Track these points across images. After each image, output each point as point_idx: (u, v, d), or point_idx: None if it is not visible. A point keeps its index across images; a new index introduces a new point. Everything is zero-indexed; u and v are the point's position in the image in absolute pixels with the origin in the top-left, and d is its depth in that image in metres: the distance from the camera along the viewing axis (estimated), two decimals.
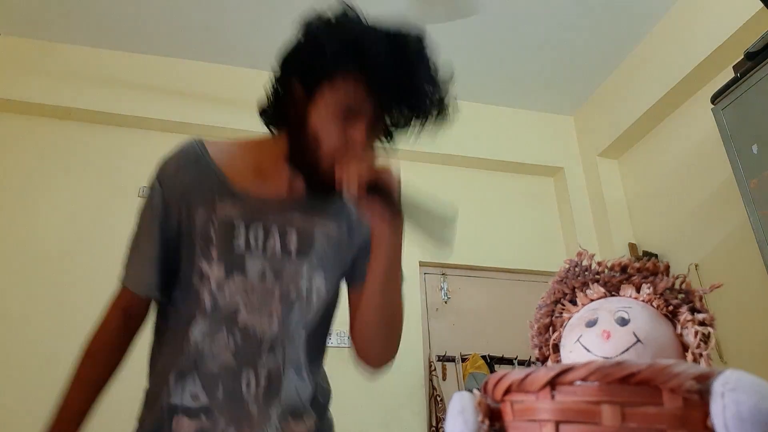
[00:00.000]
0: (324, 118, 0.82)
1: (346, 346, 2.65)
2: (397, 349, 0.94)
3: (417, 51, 0.87)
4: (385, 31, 0.84)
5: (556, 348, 0.66)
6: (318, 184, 0.85)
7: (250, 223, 0.86)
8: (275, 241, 0.86)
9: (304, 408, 0.88)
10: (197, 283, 0.85)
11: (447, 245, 0.84)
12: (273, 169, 0.90)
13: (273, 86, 0.92)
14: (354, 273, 0.97)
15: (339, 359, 2.61)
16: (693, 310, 0.60)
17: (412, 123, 0.88)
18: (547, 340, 0.68)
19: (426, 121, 0.89)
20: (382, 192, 0.79)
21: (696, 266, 2.48)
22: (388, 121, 0.86)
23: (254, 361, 0.83)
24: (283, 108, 0.88)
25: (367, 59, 0.80)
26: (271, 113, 0.90)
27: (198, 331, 0.83)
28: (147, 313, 0.96)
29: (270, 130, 0.92)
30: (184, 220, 0.87)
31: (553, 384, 0.47)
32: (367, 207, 0.81)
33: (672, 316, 0.60)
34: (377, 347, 0.94)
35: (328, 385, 1.01)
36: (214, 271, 0.84)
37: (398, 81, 0.82)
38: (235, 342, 0.83)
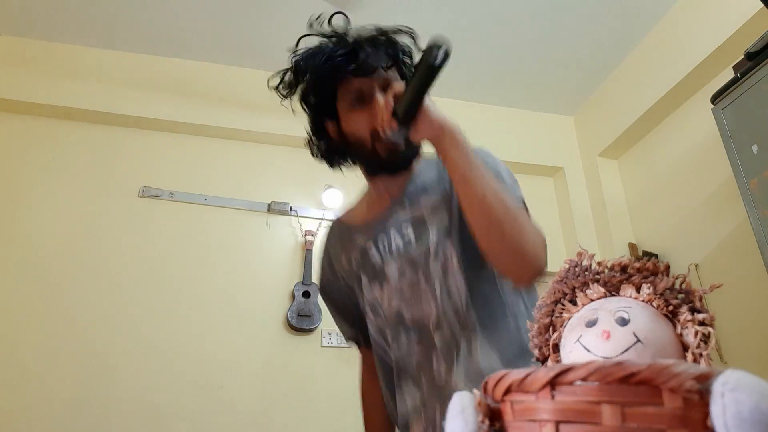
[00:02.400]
0: (350, 120, 1.00)
1: (347, 346, 2.65)
2: (533, 258, 0.90)
3: (357, 32, 1.06)
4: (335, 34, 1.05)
5: (556, 348, 0.66)
6: (393, 164, 1.02)
7: (376, 239, 1.02)
8: (397, 241, 1.00)
9: (492, 367, 0.89)
10: (369, 312, 1.02)
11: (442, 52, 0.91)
12: (375, 196, 1.09)
13: (312, 136, 1.11)
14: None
15: (339, 359, 2.63)
16: (693, 310, 0.60)
17: (398, 59, 1.05)
18: (547, 340, 0.68)
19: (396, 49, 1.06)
20: (408, 106, 0.89)
21: (696, 266, 2.48)
22: (385, 76, 1.00)
23: (431, 343, 0.94)
24: (327, 144, 1.07)
25: (339, 60, 0.98)
26: (330, 155, 1.09)
27: (393, 345, 0.98)
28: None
29: (339, 165, 1.11)
30: (342, 275, 1.10)
31: (553, 384, 0.47)
32: (413, 131, 0.91)
33: (672, 316, 0.60)
34: (504, 258, 0.90)
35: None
36: (373, 293, 1.01)
37: (358, 50, 0.99)
38: (412, 338, 0.96)
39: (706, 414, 0.42)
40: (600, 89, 3.24)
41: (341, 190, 2.92)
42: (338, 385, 2.55)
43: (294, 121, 3.02)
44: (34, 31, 2.84)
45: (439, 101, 3.22)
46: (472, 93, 3.30)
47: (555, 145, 3.39)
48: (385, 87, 0.98)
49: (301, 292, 2.64)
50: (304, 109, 1.08)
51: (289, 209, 2.86)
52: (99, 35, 2.88)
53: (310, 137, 1.10)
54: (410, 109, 0.89)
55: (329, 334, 2.64)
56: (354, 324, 1.14)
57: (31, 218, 2.58)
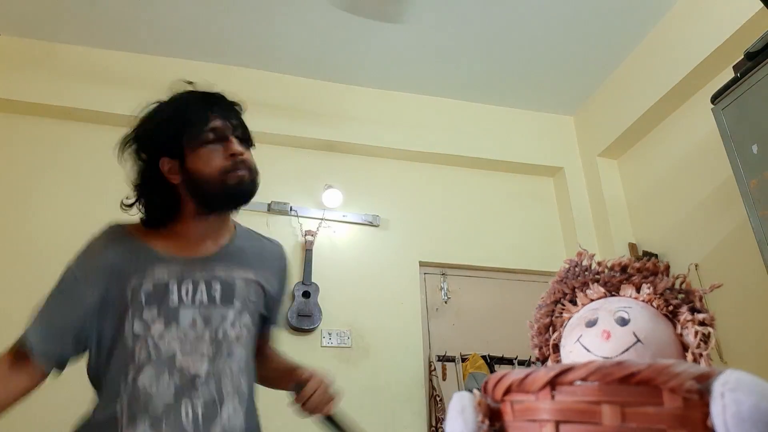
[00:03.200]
0: (201, 155, 1.08)
1: (347, 346, 2.65)
2: None
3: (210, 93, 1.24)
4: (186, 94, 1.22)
5: (556, 348, 0.66)
6: (234, 202, 1.10)
7: (182, 281, 1.04)
8: (203, 295, 1.04)
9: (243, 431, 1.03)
10: (131, 341, 1.00)
11: None
12: (192, 236, 1.10)
13: (142, 178, 1.14)
14: (269, 316, 1.20)
15: (339, 359, 2.63)
16: (693, 310, 0.60)
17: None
18: (547, 340, 0.68)
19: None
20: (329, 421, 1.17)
21: (696, 266, 2.48)
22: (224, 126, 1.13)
23: (190, 394, 0.98)
24: (167, 184, 1.10)
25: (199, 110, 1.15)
26: (161, 205, 1.11)
27: (146, 377, 0.98)
28: (31, 381, 1.09)
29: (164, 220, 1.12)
30: (112, 291, 1.04)
31: (553, 384, 0.47)
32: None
33: (672, 316, 0.60)
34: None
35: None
36: (155, 326, 1.01)
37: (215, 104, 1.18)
38: (174, 382, 0.98)
39: (706, 414, 0.42)
40: (600, 89, 3.24)
41: (341, 190, 2.92)
42: (338, 385, 2.55)
43: (294, 121, 3.03)
44: (34, 31, 2.84)
45: (439, 101, 3.21)
46: (473, 93, 3.30)
47: (555, 145, 3.39)
48: (241, 137, 1.14)
49: (301, 292, 2.64)
50: (138, 157, 1.14)
51: (289, 209, 2.86)
52: (99, 35, 2.88)
53: (142, 188, 1.14)
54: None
55: (329, 334, 2.64)
56: (64, 337, 1.05)
57: (31, 218, 2.58)
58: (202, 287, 1.05)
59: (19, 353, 1.05)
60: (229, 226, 1.18)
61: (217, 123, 1.12)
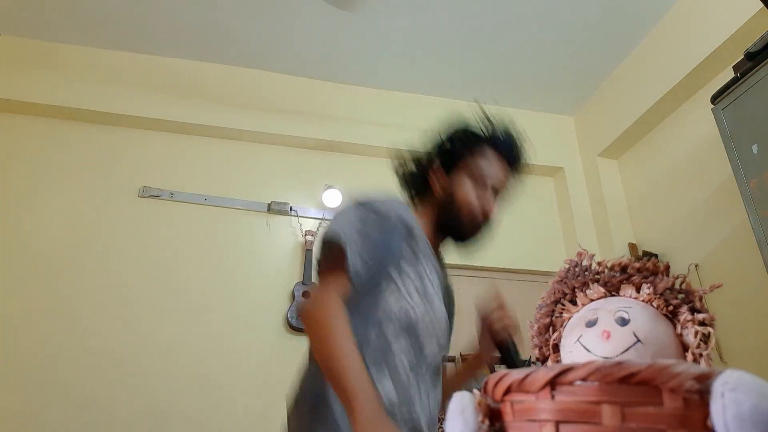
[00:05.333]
0: (463, 187, 1.19)
1: None
2: None
3: (517, 136, 1.33)
4: (499, 123, 1.30)
5: (556, 348, 0.66)
6: (464, 238, 1.21)
7: (435, 273, 1.17)
8: (441, 291, 1.19)
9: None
10: (415, 293, 1.11)
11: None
12: (428, 229, 1.21)
13: (417, 163, 1.27)
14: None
15: None
16: (693, 310, 0.60)
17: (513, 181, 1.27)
18: (547, 340, 0.68)
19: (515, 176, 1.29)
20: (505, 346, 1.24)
21: (696, 266, 2.48)
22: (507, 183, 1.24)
23: (418, 373, 1.10)
24: (428, 184, 1.23)
25: (496, 143, 1.24)
26: (415, 184, 1.27)
27: (392, 335, 1.08)
28: None
29: (410, 194, 1.29)
30: (405, 244, 1.12)
31: (553, 384, 0.47)
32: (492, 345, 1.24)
33: (672, 316, 0.60)
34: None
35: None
36: (414, 298, 1.09)
37: (513, 153, 1.28)
38: (431, 352, 1.12)
39: (706, 414, 0.42)
40: (600, 89, 3.24)
41: (341, 190, 2.92)
42: None
43: (294, 121, 3.03)
44: (34, 31, 2.84)
45: (439, 101, 3.22)
46: (473, 93, 3.29)
47: (555, 145, 3.38)
48: (498, 194, 1.24)
49: (301, 292, 2.64)
50: (445, 144, 1.25)
51: (289, 209, 2.86)
52: (99, 35, 2.88)
53: (416, 160, 1.27)
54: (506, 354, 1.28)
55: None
56: (373, 262, 1.04)
57: (31, 218, 2.58)
58: (439, 278, 1.19)
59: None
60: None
61: (500, 174, 1.22)
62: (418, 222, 1.19)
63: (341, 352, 0.93)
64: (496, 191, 1.21)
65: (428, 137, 1.30)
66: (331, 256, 1.04)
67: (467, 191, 1.18)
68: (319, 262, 1.10)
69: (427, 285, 1.12)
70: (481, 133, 1.26)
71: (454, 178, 1.20)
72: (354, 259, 1.01)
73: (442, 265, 1.25)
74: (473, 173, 1.19)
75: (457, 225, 1.19)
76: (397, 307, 1.06)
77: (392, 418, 1.00)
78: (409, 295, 1.08)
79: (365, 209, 1.12)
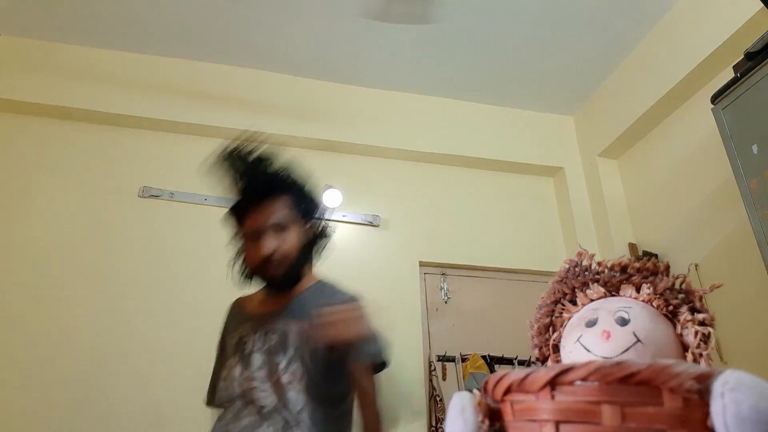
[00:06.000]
0: (247, 247, 1.29)
1: None
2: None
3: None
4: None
5: (556, 348, 0.66)
6: (275, 284, 1.28)
7: (257, 332, 1.26)
8: (269, 343, 1.23)
9: None
10: (229, 381, 1.24)
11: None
12: (268, 297, 1.34)
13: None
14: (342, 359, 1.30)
15: None
16: (693, 310, 0.60)
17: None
18: (547, 340, 0.68)
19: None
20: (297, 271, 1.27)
21: (696, 266, 2.48)
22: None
23: (258, 428, 1.13)
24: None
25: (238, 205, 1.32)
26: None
27: (229, 414, 1.21)
28: None
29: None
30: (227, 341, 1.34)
31: (553, 384, 0.47)
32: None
33: (672, 316, 0.60)
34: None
35: None
36: (237, 369, 1.23)
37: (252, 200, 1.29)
38: (244, 414, 1.17)
39: (706, 414, 0.43)
40: (600, 89, 3.24)
41: (341, 190, 2.92)
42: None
43: (294, 121, 3.03)
44: (34, 31, 2.84)
45: (439, 101, 3.22)
46: (473, 93, 3.30)
47: (555, 145, 3.39)
48: (277, 231, 1.27)
49: None
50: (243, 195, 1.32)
51: None
52: (99, 35, 2.88)
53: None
54: (297, 269, 1.31)
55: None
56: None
57: (30, 218, 2.58)
58: (269, 336, 1.24)
59: None
60: (305, 284, 1.34)
61: (252, 223, 1.26)
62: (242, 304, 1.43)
63: None
64: (264, 231, 1.25)
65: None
66: None
67: (247, 252, 1.29)
68: None
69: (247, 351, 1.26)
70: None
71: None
72: None
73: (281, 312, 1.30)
74: (243, 234, 1.29)
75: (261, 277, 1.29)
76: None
77: None
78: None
79: None
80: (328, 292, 1.36)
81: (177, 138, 2.91)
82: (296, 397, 1.17)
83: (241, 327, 1.31)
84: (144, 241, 2.63)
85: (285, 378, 1.18)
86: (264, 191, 1.28)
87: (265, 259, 1.22)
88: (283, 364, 1.20)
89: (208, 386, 1.41)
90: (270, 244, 1.22)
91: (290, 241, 1.25)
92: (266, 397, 1.16)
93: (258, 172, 1.29)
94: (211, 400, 1.36)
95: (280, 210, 1.27)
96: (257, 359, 1.21)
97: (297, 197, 1.31)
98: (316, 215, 1.34)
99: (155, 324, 2.46)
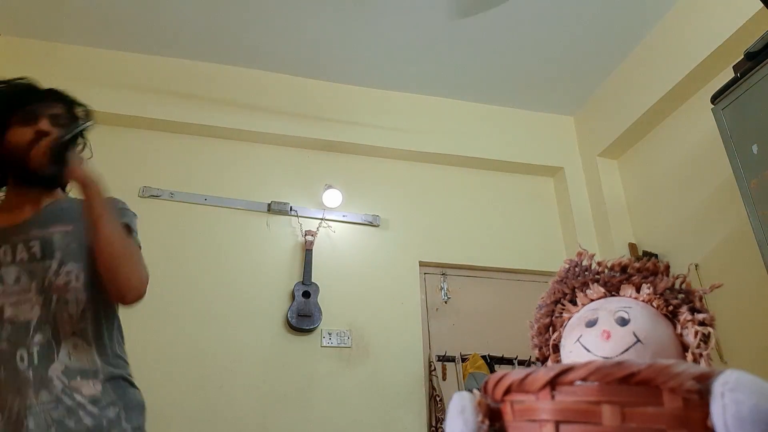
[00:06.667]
0: (16, 132, 1.20)
1: (347, 346, 2.66)
2: (139, 286, 1.21)
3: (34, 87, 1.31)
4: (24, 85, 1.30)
5: (556, 348, 0.66)
6: (33, 177, 1.21)
7: (8, 244, 1.17)
8: (22, 254, 1.16)
9: (92, 370, 1.13)
10: None
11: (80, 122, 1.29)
12: (14, 205, 1.24)
13: None
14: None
15: (339, 359, 2.63)
16: (693, 310, 0.60)
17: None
18: (547, 340, 0.68)
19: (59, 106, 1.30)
20: (61, 158, 1.18)
21: (696, 266, 2.48)
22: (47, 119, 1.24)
23: (24, 341, 1.09)
24: None
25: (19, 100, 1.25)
26: None
27: None
28: None
29: None
30: None
31: (553, 384, 0.47)
32: (66, 173, 1.18)
33: (672, 316, 0.60)
34: (117, 284, 1.18)
35: (124, 356, 1.29)
36: None
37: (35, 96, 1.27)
38: (6, 332, 1.09)
39: (706, 414, 0.42)
40: (600, 89, 3.24)
41: (341, 190, 2.92)
42: (338, 385, 2.56)
43: (294, 121, 3.03)
44: (34, 31, 2.84)
45: (439, 101, 3.22)
46: (473, 93, 3.30)
47: (555, 145, 3.39)
48: (53, 121, 1.24)
49: (301, 292, 2.64)
50: None
51: (289, 209, 2.86)
52: (99, 35, 2.88)
53: None
54: (60, 156, 1.19)
55: (329, 334, 2.64)
56: None
57: None
58: (21, 248, 1.17)
59: None
60: (57, 194, 1.30)
61: (28, 111, 1.23)
62: None
63: None
64: (41, 116, 1.23)
65: None
66: None
67: (15, 133, 1.21)
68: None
69: None
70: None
71: (6, 136, 1.22)
72: None
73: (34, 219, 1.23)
74: (16, 116, 1.22)
75: (20, 168, 1.21)
76: None
77: None
78: None
79: None
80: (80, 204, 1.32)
81: (177, 138, 2.91)
82: (76, 296, 1.16)
83: None
84: (143, 241, 2.62)
85: (52, 282, 1.14)
86: (43, 93, 1.29)
87: (34, 141, 1.18)
88: (53, 268, 1.16)
89: None
90: (46, 125, 1.21)
91: (61, 133, 1.22)
92: (31, 309, 1.11)
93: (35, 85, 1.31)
94: None
95: (56, 107, 1.27)
96: (10, 272, 1.14)
97: (68, 106, 1.32)
98: (79, 124, 1.31)
99: (154, 324, 2.46)
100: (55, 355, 1.10)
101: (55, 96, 1.30)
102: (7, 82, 1.28)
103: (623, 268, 0.65)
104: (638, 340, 0.55)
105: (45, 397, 1.06)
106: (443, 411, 2.50)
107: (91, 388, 1.11)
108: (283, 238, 2.82)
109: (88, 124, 1.30)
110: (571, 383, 0.46)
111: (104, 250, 1.15)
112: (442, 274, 3.00)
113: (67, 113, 1.31)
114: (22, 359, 1.07)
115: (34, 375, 1.07)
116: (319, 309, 2.62)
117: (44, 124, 1.21)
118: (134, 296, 1.19)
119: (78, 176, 1.19)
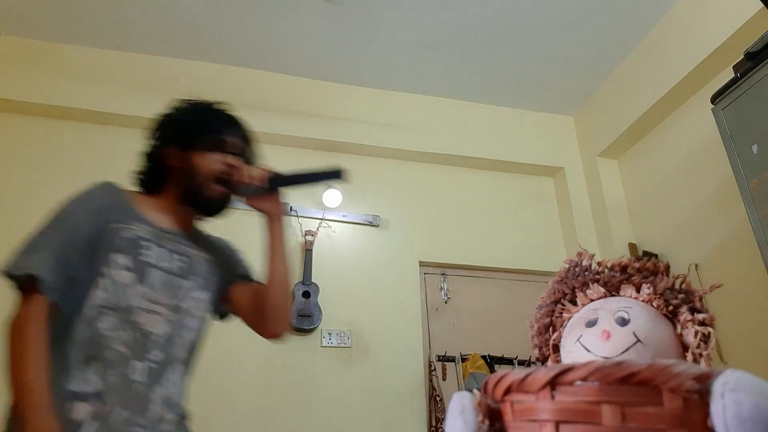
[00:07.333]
0: (205, 157, 1.20)
1: (347, 346, 2.65)
2: (289, 320, 1.26)
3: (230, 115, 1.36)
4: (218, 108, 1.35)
5: (556, 348, 0.66)
6: (208, 207, 1.22)
7: (160, 243, 1.13)
8: (171, 263, 1.13)
9: (176, 403, 1.09)
10: (101, 283, 1.04)
11: (338, 174, 1.22)
12: (168, 209, 1.21)
13: (150, 156, 1.33)
14: (235, 277, 1.28)
15: (339, 359, 2.63)
16: (693, 310, 0.60)
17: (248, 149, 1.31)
18: (547, 340, 0.68)
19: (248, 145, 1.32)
20: (265, 186, 1.21)
21: (696, 266, 2.48)
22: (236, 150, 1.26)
23: (143, 354, 1.03)
24: (165, 167, 1.25)
25: (217, 126, 1.27)
26: (149, 176, 1.29)
27: (104, 324, 1.01)
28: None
29: (147, 188, 1.27)
30: (100, 226, 1.10)
31: (553, 384, 0.47)
32: (258, 200, 1.22)
33: (672, 316, 0.60)
34: (282, 314, 1.22)
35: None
36: (122, 277, 1.05)
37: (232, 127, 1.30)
38: (130, 336, 1.02)
39: (706, 414, 0.42)
40: (600, 89, 3.24)
41: (341, 190, 2.92)
42: (338, 385, 2.56)
43: (294, 121, 3.03)
44: (34, 31, 2.84)
45: (439, 101, 3.21)
46: (473, 93, 3.30)
47: (555, 145, 3.39)
48: (241, 157, 1.27)
49: (301, 292, 2.64)
50: (165, 134, 1.30)
51: (289, 209, 2.86)
52: (99, 35, 2.88)
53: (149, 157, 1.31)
54: (283, 182, 1.24)
55: (329, 334, 2.64)
56: (65, 264, 1.05)
57: (30, 218, 2.57)
58: (172, 256, 1.14)
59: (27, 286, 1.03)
60: (196, 221, 1.29)
61: (234, 140, 1.26)
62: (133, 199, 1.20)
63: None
64: (239, 153, 1.26)
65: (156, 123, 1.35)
66: None
67: (204, 158, 1.21)
68: None
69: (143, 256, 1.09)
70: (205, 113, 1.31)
71: (192, 155, 1.22)
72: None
73: (192, 238, 1.23)
74: (209, 145, 1.23)
75: (194, 192, 1.20)
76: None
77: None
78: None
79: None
80: (225, 244, 1.36)
81: None
82: (198, 325, 1.15)
83: (134, 224, 1.11)
84: None
85: (185, 304, 1.11)
86: (238, 126, 1.32)
87: (225, 173, 1.19)
88: (191, 290, 1.13)
89: (30, 251, 1.12)
90: (238, 163, 1.21)
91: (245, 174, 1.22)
92: (161, 323, 1.05)
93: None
94: (52, 279, 1.02)
95: (246, 143, 1.30)
96: (157, 276, 1.08)
97: (252, 143, 1.34)
98: (324, 174, 1.32)
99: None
100: (163, 379, 1.05)
101: (245, 131, 1.33)
102: (208, 104, 1.33)
103: (623, 268, 0.65)
104: (638, 340, 0.55)
105: (140, 419, 0.99)
106: (443, 411, 2.50)
107: (173, 425, 1.06)
108: None
109: (333, 178, 1.27)
110: (571, 383, 0.46)
111: (281, 287, 1.20)
112: (442, 274, 3.00)
113: (251, 150, 1.34)
114: (133, 370, 1.01)
115: (140, 392, 1.01)
116: (319, 309, 2.62)
117: (237, 162, 1.22)
118: (285, 331, 1.24)
119: (279, 212, 1.26)
